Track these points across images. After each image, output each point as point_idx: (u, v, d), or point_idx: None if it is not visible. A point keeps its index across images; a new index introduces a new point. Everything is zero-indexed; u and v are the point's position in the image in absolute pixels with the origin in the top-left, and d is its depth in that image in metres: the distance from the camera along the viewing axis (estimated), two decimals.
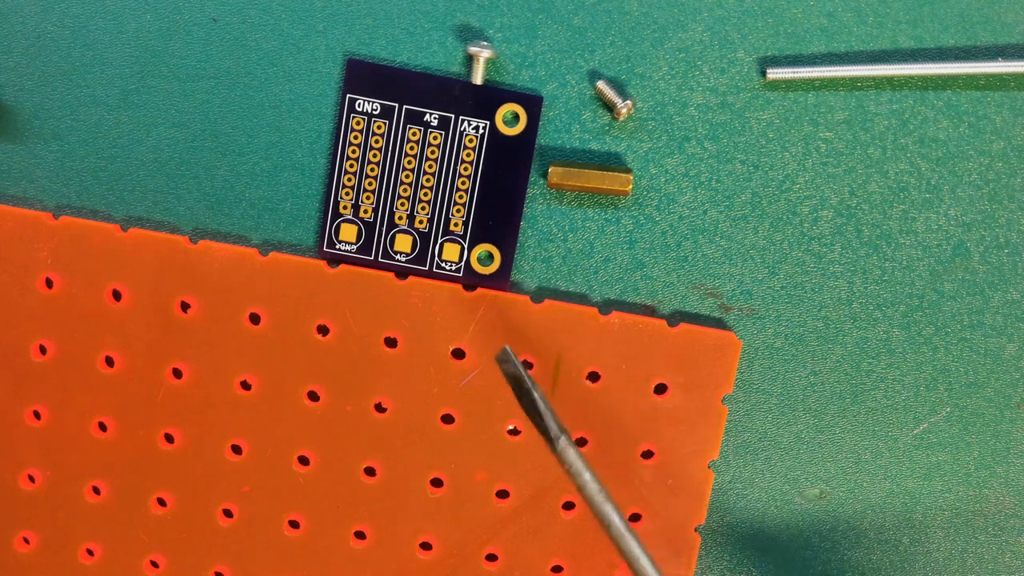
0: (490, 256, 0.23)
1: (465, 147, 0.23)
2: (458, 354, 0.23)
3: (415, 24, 0.23)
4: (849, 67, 0.22)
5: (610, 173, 0.23)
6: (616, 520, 0.20)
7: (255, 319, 0.23)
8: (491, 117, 0.23)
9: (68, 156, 0.24)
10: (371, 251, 0.23)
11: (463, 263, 0.23)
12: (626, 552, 0.20)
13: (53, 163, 0.24)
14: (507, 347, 0.20)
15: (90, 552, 0.24)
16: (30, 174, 0.24)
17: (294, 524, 0.24)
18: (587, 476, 0.20)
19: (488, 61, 0.23)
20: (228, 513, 0.24)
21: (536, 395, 0.20)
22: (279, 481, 0.24)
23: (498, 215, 0.23)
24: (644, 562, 0.20)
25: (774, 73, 0.23)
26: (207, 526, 0.24)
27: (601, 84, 0.23)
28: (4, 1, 0.23)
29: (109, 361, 0.24)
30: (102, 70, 0.23)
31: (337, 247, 0.23)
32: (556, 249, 0.24)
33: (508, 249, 0.23)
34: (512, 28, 0.23)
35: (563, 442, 0.20)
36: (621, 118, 0.23)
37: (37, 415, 0.24)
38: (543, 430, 0.20)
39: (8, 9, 0.23)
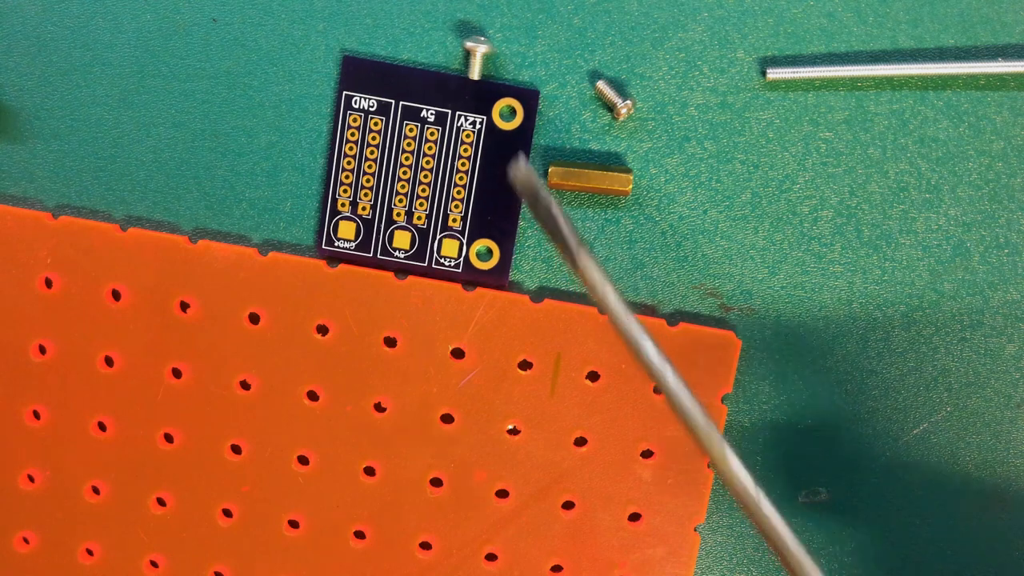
0: (489, 251, 0.23)
1: (462, 142, 0.23)
2: (457, 354, 0.23)
3: (415, 24, 0.23)
4: (849, 67, 0.22)
5: (610, 173, 0.23)
6: (640, 335, 0.18)
7: (255, 319, 0.23)
8: (488, 112, 0.23)
9: (68, 156, 0.24)
10: (370, 248, 0.23)
11: (462, 259, 0.23)
12: (654, 370, 0.18)
13: (53, 163, 0.24)
14: (521, 156, 0.19)
15: (90, 552, 0.24)
16: (30, 174, 0.24)
17: (294, 524, 0.24)
18: (608, 289, 0.18)
19: (485, 57, 0.23)
20: (228, 513, 0.24)
21: (554, 208, 0.18)
22: (279, 481, 0.24)
23: (496, 210, 0.23)
24: (672, 378, 0.18)
25: (774, 73, 0.23)
26: (207, 526, 0.24)
27: (601, 84, 0.23)
28: (4, 1, 0.23)
29: (109, 361, 0.24)
30: (102, 70, 0.23)
31: (336, 244, 0.23)
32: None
33: (507, 244, 0.23)
34: (512, 28, 0.23)
35: (583, 255, 0.19)
36: (621, 118, 0.23)
37: (37, 415, 0.24)
38: (561, 243, 0.19)
39: (8, 9, 0.23)
